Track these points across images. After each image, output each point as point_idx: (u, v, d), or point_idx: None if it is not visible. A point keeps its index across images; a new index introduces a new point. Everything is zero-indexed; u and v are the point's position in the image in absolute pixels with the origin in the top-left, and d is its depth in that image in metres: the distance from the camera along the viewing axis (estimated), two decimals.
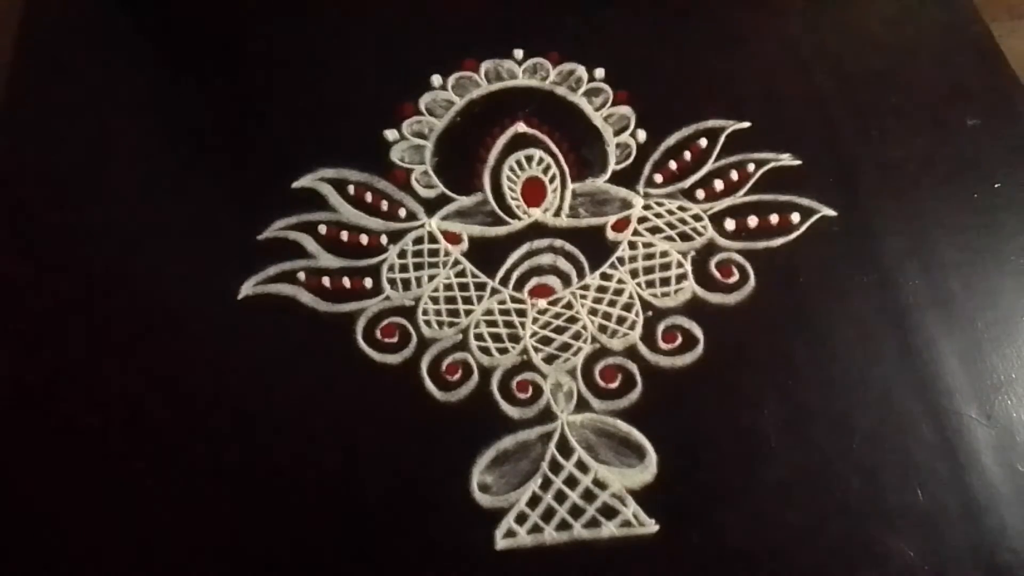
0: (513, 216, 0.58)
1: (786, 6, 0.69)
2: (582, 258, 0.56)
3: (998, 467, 0.48)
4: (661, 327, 0.53)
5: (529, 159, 0.60)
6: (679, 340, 0.53)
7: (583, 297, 0.54)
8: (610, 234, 0.57)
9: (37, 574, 0.46)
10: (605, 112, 0.62)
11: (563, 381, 0.51)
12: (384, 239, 0.57)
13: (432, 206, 0.58)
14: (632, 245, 0.56)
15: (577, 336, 0.53)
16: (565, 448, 0.49)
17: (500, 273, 0.55)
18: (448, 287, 0.55)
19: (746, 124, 0.61)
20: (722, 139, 0.60)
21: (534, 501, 0.48)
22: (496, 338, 0.53)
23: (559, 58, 0.64)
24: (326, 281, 0.55)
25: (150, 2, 0.69)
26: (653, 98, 0.62)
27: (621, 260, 0.56)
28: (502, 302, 0.54)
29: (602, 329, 0.53)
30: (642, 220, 0.57)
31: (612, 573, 0.46)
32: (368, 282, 0.55)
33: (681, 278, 0.55)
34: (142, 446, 0.49)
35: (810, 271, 0.55)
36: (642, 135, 0.61)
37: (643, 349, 0.52)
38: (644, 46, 0.66)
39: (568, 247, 0.56)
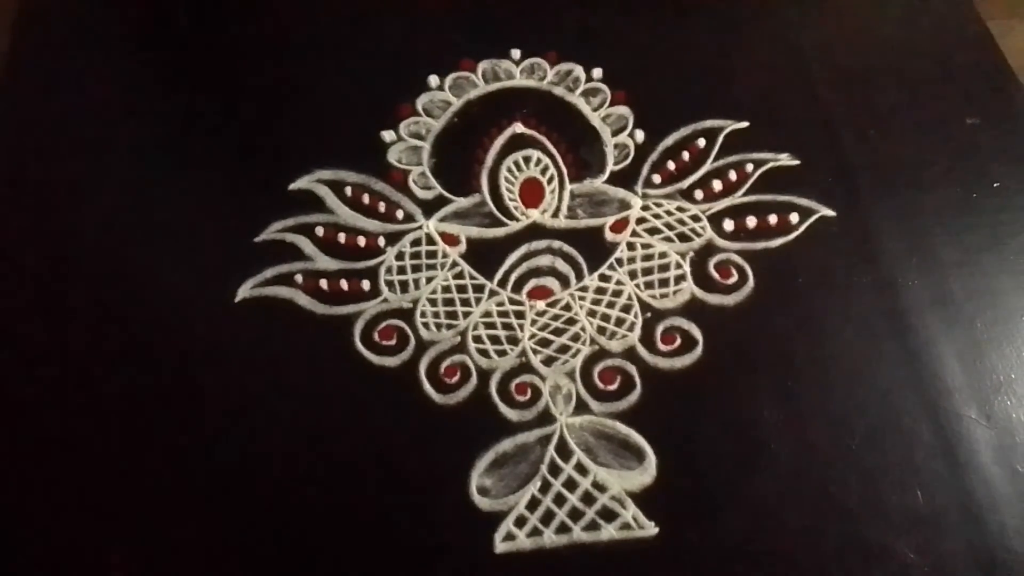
0: (511, 217, 0.58)
1: (785, 5, 0.68)
2: (580, 259, 0.56)
3: (998, 468, 0.48)
4: (660, 328, 0.53)
5: (527, 160, 0.60)
6: (678, 341, 0.52)
7: (582, 298, 0.54)
8: (608, 235, 0.57)
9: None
10: (603, 112, 0.62)
11: (562, 383, 0.51)
12: (382, 241, 0.56)
13: (430, 207, 0.58)
14: (631, 246, 0.56)
15: (576, 338, 0.53)
16: (564, 451, 0.49)
17: (498, 275, 0.55)
18: (446, 289, 0.55)
19: (744, 124, 0.61)
20: (720, 139, 0.60)
21: (533, 504, 0.48)
22: (495, 340, 0.53)
23: (557, 58, 0.64)
24: (324, 283, 0.54)
25: (147, 3, 0.68)
26: (651, 98, 0.62)
27: (620, 261, 0.56)
28: (500, 304, 0.54)
29: (601, 331, 0.53)
30: (640, 221, 0.57)
31: None
32: (366, 284, 0.55)
33: (680, 279, 0.55)
34: (138, 449, 0.49)
35: (809, 271, 0.55)
36: (640, 135, 0.61)
37: (642, 350, 0.52)
38: (642, 46, 0.66)
39: (566, 248, 0.56)
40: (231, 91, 0.64)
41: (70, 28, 0.67)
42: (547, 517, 0.47)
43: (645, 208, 0.58)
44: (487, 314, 0.54)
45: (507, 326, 0.53)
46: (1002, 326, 0.53)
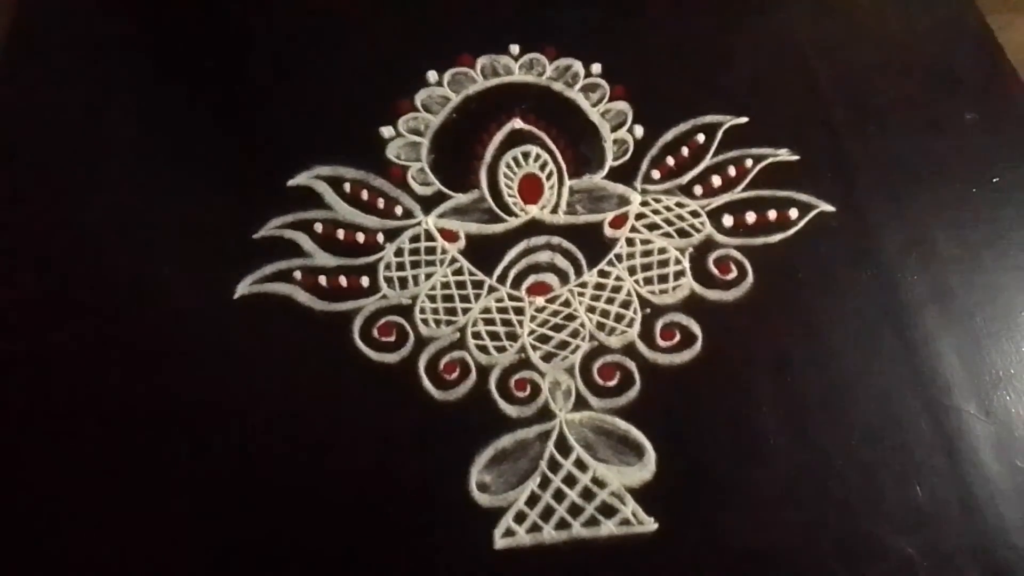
0: (510, 213, 0.58)
1: (784, 1, 0.68)
2: (580, 255, 0.56)
3: (997, 463, 0.48)
4: (659, 324, 0.53)
5: (526, 155, 0.60)
6: (677, 337, 0.52)
7: (581, 295, 0.54)
8: (608, 231, 0.57)
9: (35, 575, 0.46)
10: (602, 108, 0.62)
11: (561, 379, 0.51)
12: (381, 237, 0.56)
13: (429, 203, 0.58)
14: (630, 242, 0.56)
15: (575, 334, 0.53)
16: (564, 447, 0.49)
17: (497, 271, 0.55)
18: (445, 285, 0.55)
19: (743, 119, 0.61)
20: (720, 134, 0.60)
21: (533, 500, 0.48)
22: (494, 336, 0.53)
23: (556, 53, 0.64)
24: (322, 280, 0.54)
25: (145, 1, 0.68)
26: (650, 93, 0.62)
27: (619, 257, 0.56)
28: (500, 300, 0.54)
29: (600, 327, 0.53)
30: (640, 217, 0.57)
31: (611, 572, 0.46)
32: (365, 281, 0.55)
33: (679, 275, 0.55)
34: (137, 446, 0.49)
35: (808, 267, 0.55)
36: (639, 131, 0.60)
37: (641, 346, 0.52)
38: (641, 41, 0.66)
39: (565, 244, 0.56)
40: (230, 88, 0.64)
41: (69, 27, 0.67)
42: (547, 513, 0.47)
43: (644, 204, 0.58)
44: (486, 310, 0.54)
45: (506, 322, 0.53)
46: (1001, 321, 0.53)
